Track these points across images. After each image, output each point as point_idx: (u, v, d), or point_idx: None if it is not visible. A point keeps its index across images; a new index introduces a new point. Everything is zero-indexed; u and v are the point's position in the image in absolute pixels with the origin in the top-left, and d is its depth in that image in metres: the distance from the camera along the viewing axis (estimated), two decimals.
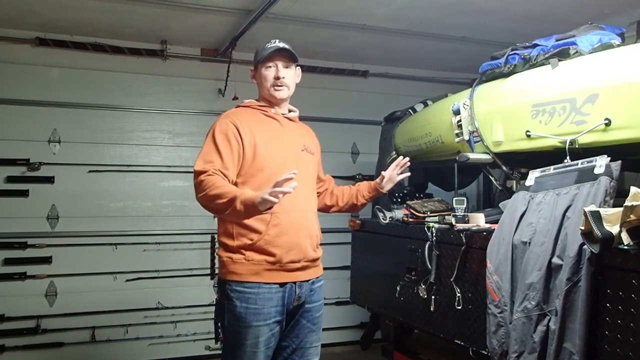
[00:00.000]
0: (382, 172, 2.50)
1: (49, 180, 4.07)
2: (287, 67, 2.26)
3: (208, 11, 3.58)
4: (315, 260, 2.25)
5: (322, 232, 2.34)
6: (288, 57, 2.26)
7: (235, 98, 4.17)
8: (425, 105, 3.79)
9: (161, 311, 4.27)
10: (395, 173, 2.49)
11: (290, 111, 2.37)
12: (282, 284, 2.14)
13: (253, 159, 2.15)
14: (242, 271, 2.13)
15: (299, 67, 2.34)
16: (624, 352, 1.79)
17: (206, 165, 2.08)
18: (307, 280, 2.22)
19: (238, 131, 2.15)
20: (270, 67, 2.24)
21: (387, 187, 2.50)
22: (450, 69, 4.93)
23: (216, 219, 2.25)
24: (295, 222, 2.16)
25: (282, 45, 2.24)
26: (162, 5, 3.51)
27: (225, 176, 2.08)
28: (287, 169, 2.16)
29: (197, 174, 2.08)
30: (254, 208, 1.90)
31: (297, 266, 2.17)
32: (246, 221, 2.11)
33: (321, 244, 2.36)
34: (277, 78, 2.23)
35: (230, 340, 2.17)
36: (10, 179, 4.00)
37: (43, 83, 4.10)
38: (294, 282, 2.17)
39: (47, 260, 4.04)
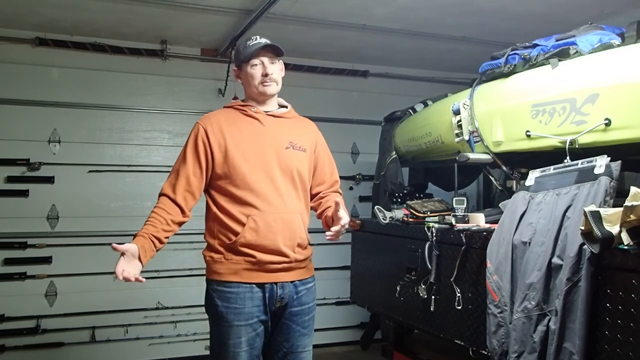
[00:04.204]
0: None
1: (49, 180, 4.07)
2: (273, 63, 2.21)
3: (208, 11, 3.58)
4: (300, 261, 2.19)
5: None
6: (273, 52, 2.21)
7: (235, 98, 4.15)
8: (425, 105, 3.79)
9: (161, 311, 4.26)
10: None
11: (281, 107, 2.32)
12: (261, 284, 2.12)
13: (224, 160, 2.13)
14: (222, 270, 2.13)
15: (282, 61, 2.28)
16: (624, 352, 1.79)
17: (168, 189, 2.16)
18: (291, 282, 2.18)
19: (207, 135, 2.15)
20: (256, 65, 2.19)
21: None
22: (450, 69, 4.93)
23: (204, 217, 2.25)
24: (274, 225, 2.11)
25: (265, 41, 2.19)
26: (162, 5, 3.50)
27: (182, 203, 2.14)
28: (264, 168, 2.14)
29: (159, 195, 2.19)
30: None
31: (278, 267, 2.14)
32: (225, 221, 2.11)
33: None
34: (265, 75, 2.19)
35: (214, 340, 2.17)
36: (10, 179, 4.00)
37: (43, 83, 4.10)
38: (275, 283, 2.14)
39: (47, 260, 4.04)
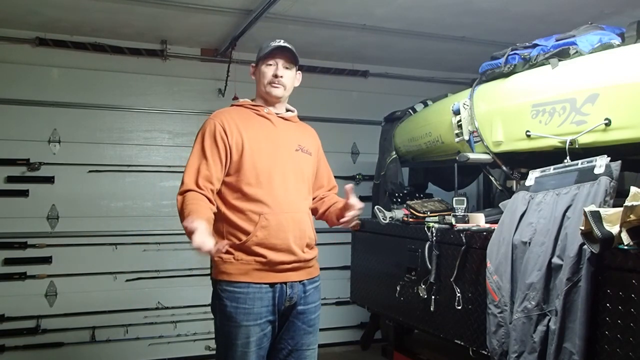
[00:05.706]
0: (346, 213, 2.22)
1: (49, 180, 4.07)
2: (287, 68, 2.25)
3: (208, 11, 3.58)
4: (308, 261, 2.22)
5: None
6: (290, 57, 2.25)
7: (235, 98, 4.17)
8: (425, 105, 3.79)
9: (161, 311, 4.26)
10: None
11: (287, 111, 2.36)
12: (271, 284, 2.13)
13: (240, 158, 2.14)
14: (231, 271, 2.12)
15: (300, 73, 2.33)
16: (624, 352, 1.79)
17: (192, 185, 2.08)
18: (300, 281, 2.19)
19: (225, 131, 2.15)
20: (270, 64, 2.23)
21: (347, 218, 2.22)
22: (450, 69, 4.93)
23: None
24: (285, 224, 2.13)
25: (285, 44, 2.23)
26: (162, 5, 3.51)
27: (209, 193, 2.09)
28: (277, 168, 2.16)
29: (183, 192, 2.09)
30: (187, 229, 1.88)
31: (288, 267, 2.15)
32: (235, 221, 2.11)
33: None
34: (275, 76, 2.21)
35: (222, 341, 2.16)
36: (10, 179, 4.00)
37: (43, 83, 4.10)
38: (285, 283, 2.15)
39: (47, 260, 4.04)
